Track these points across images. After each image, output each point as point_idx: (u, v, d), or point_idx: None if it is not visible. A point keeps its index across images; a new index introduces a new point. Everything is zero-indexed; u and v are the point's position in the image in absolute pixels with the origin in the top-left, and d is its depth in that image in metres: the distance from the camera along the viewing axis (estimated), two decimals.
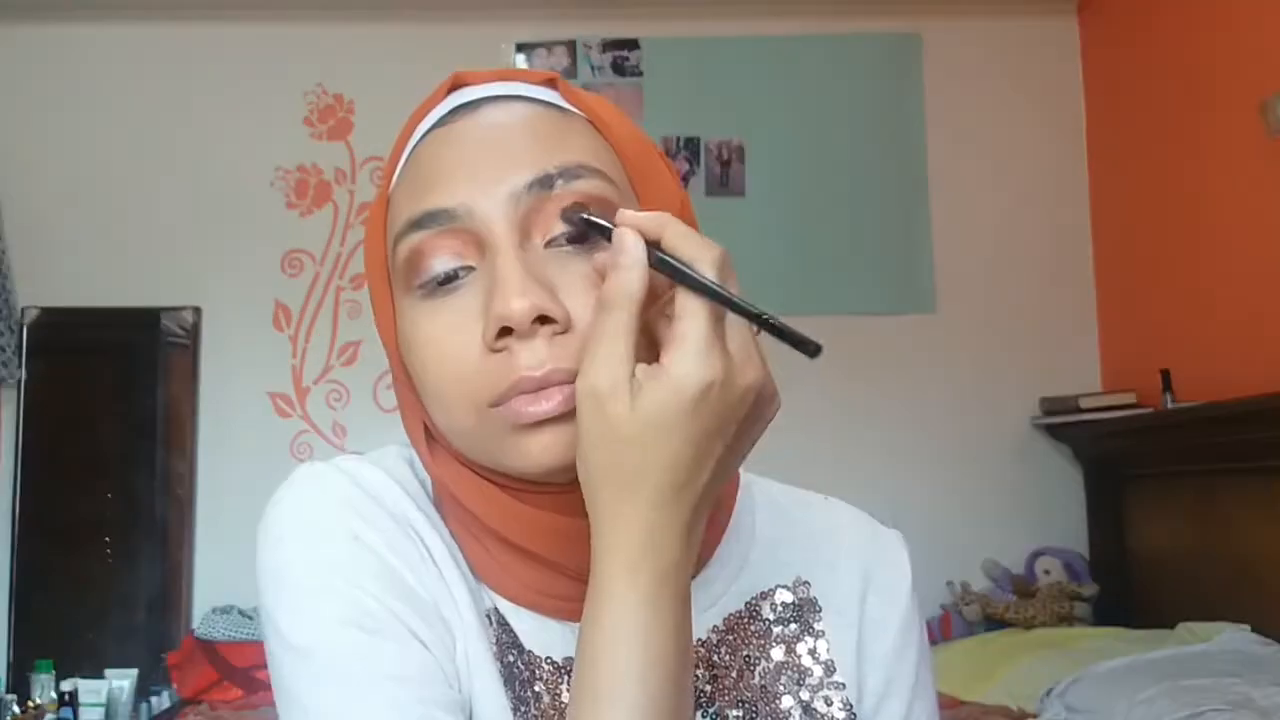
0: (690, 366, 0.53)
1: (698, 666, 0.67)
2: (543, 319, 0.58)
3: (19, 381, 3.30)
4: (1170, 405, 2.94)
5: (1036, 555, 3.29)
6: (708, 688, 0.67)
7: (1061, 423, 3.31)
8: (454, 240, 0.61)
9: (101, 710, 2.95)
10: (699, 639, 0.67)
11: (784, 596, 0.71)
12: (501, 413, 0.60)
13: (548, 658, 0.66)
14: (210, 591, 3.26)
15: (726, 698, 0.67)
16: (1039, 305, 3.48)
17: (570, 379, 0.58)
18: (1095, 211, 3.52)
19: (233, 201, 3.45)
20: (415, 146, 0.66)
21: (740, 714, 0.67)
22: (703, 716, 0.67)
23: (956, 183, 3.50)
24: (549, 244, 0.61)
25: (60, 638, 3.19)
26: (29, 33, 3.47)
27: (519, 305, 0.57)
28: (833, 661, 0.70)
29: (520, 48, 3.52)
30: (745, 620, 0.69)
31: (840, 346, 3.40)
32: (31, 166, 3.42)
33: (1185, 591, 2.85)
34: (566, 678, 0.64)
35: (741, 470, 0.74)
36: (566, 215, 0.60)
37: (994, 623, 3.11)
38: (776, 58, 3.52)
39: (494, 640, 0.65)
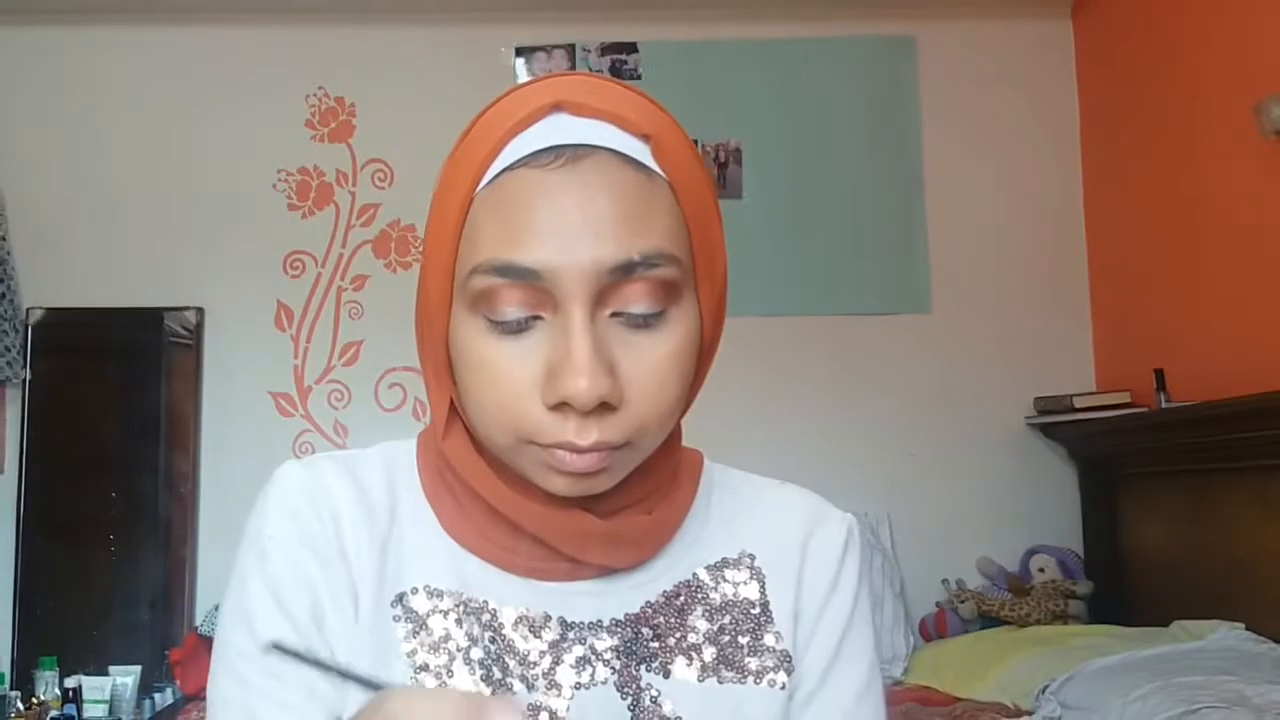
0: None
1: (642, 627, 0.72)
2: (601, 404, 0.63)
3: (23, 381, 3.32)
4: (1164, 405, 2.95)
5: (1031, 553, 3.31)
6: (653, 644, 0.72)
7: (1056, 422, 3.32)
8: (530, 294, 0.64)
9: (105, 707, 2.96)
10: (647, 601, 0.73)
11: (730, 568, 0.76)
12: (540, 452, 0.65)
13: (512, 611, 0.72)
14: (213, 589, 3.27)
15: (670, 652, 0.72)
16: (1034, 305, 3.50)
17: (607, 448, 0.64)
18: (1090, 212, 3.54)
19: (235, 203, 3.47)
20: (509, 170, 0.66)
21: (687, 663, 0.72)
22: (647, 671, 0.71)
23: (952, 184, 3.52)
24: (614, 314, 0.65)
25: (64, 635, 3.21)
26: (34, 34, 3.49)
27: (586, 389, 0.62)
28: (773, 623, 0.75)
29: (519, 51, 3.54)
30: (693, 588, 0.75)
31: (836, 346, 3.43)
32: (36, 168, 3.44)
33: (1179, 589, 2.86)
34: (526, 626, 0.71)
35: (705, 457, 0.81)
36: None
37: (989, 620, 3.13)
38: (773, 61, 3.54)
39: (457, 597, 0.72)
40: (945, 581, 3.31)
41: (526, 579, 0.72)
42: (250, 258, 3.45)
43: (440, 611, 0.70)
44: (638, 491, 0.73)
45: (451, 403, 0.72)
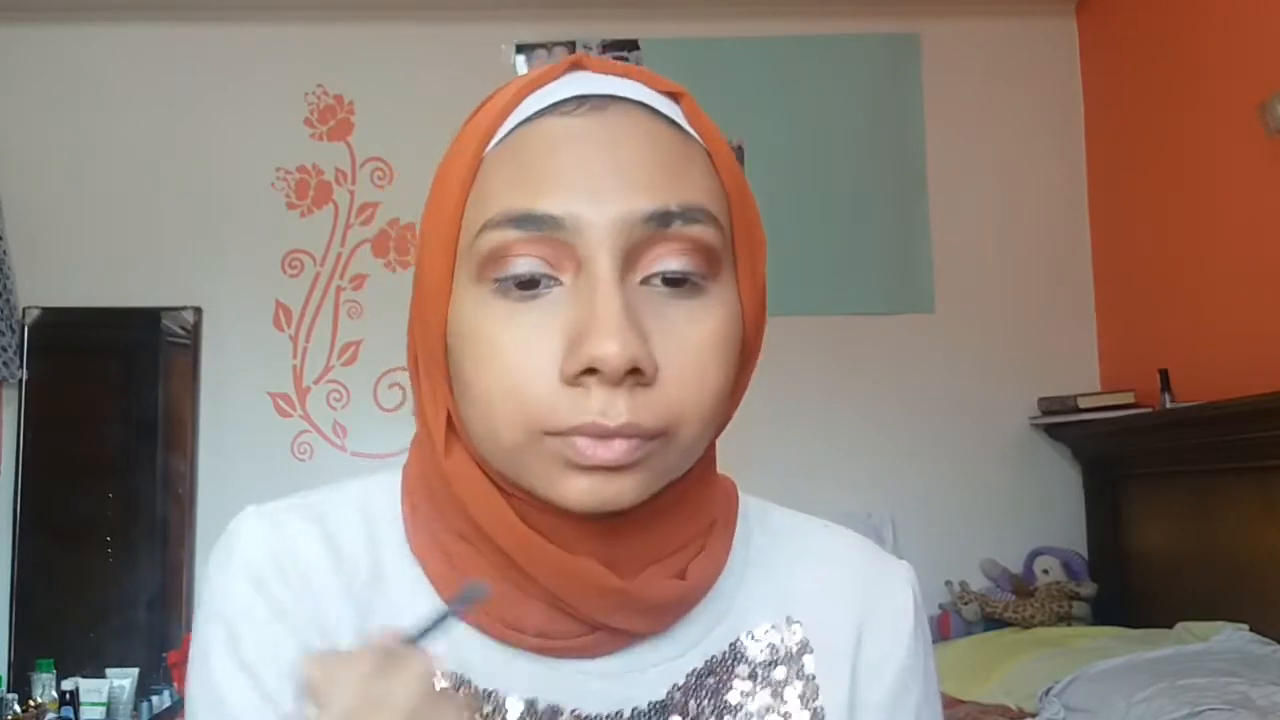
0: None
1: (671, 714, 0.62)
2: (633, 370, 0.54)
3: (20, 381, 3.31)
4: (1169, 405, 2.94)
5: (1035, 555, 3.30)
6: None
7: (1060, 422, 3.31)
8: (549, 249, 0.56)
9: (102, 709, 2.96)
10: (675, 684, 0.63)
11: (771, 637, 0.66)
12: (557, 444, 0.55)
13: (519, 701, 0.62)
14: None
15: None
16: (1037, 305, 3.49)
17: (639, 434, 0.55)
18: (1094, 211, 3.53)
19: (233, 201, 3.45)
20: (525, 123, 0.59)
21: None
22: None
23: (955, 183, 3.50)
24: (644, 281, 0.56)
25: (61, 637, 3.20)
26: (29, 33, 3.47)
27: (617, 352, 0.53)
28: (822, 709, 0.65)
29: (520, 48, 3.53)
30: (729, 663, 0.64)
31: (839, 347, 3.41)
32: (32, 166, 3.42)
33: (1183, 591, 2.85)
34: None
35: (740, 493, 0.71)
36: None
37: (993, 622, 3.11)
38: (775, 58, 3.53)
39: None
40: (949, 583, 3.29)
41: (534, 656, 0.62)
42: (248, 257, 3.43)
43: None
44: (670, 541, 0.62)
45: (449, 420, 0.61)
